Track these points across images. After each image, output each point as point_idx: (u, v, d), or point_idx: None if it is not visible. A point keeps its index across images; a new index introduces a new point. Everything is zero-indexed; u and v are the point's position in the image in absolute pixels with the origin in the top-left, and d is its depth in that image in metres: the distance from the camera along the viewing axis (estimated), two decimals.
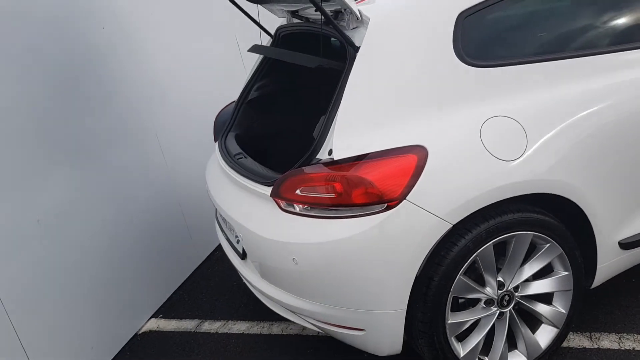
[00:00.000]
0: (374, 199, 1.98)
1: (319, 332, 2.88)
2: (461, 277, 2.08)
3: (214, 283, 3.60)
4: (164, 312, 3.39)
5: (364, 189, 1.98)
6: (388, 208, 1.97)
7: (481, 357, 2.26)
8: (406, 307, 2.05)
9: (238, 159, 2.68)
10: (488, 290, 2.18)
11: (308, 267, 2.10)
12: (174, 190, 3.60)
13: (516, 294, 2.25)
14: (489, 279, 2.17)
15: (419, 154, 2.00)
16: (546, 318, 2.30)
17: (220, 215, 2.85)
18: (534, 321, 2.34)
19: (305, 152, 2.23)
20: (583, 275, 2.29)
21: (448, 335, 2.13)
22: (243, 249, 2.51)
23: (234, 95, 3.71)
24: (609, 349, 2.37)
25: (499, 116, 2.10)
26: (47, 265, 2.63)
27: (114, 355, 3.03)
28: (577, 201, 2.16)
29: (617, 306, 2.62)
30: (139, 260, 3.24)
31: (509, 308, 2.25)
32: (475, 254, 2.07)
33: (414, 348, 2.23)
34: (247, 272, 2.53)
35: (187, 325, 3.21)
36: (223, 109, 3.37)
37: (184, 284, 3.66)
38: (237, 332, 3.04)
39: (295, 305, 2.25)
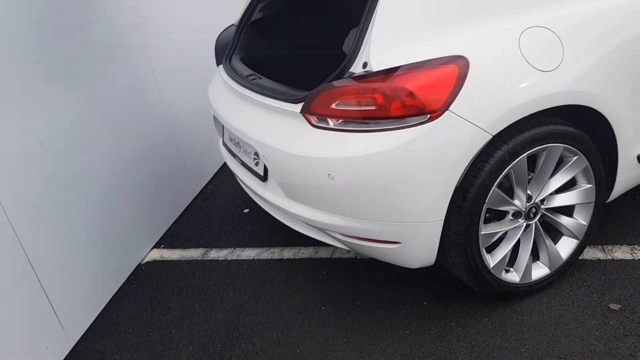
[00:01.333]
0: (415, 110, 1.95)
1: (332, 255, 2.89)
2: (496, 188, 2.10)
3: (213, 214, 3.54)
4: (165, 243, 3.32)
5: (405, 100, 1.95)
6: (430, 119, 1.95)
7: (507, 269, 2.32)
8: (444, 219, 2.07)
9: (252, 79, 2.59)
10: (517, 202, 2.22)
11: (345, 182, 2.07)
12: (168, 121, 3.47)
13: (542, 207, 2.30)
14: (518, 191, 2.21)
15: (460, 64, 1.97)
16: (568, 230, 2.37)
17: (232, 139, 2.77)
18: (555, 233, 2.40)
19: (329, 69, 2.16)
20: (604, 188, 2.36)
21: (480, 246, 2.17)
22: (264, 170, 2.46)
23: (227, 20, 3.57)
24: (622, 260, 2.48)
25: (536, 27, 2.08)
26: (52, 189, 2.51)
27: (120, 284, 2.97)
28: (607, 114, 2.20)
29: (626, 221, 2.72)
30: (136, 191, 3.13)
31: (534, 220, 2.30)
32: (510, 166, 2.09)
33: (441, 261, 2.25)
34: (268, 193, 2.48)
35: (192, 254, 3.16)
36: (222, 31, 3.23)
37: (182, 215, 3.58)
38: (247, 259, 3.02)
39: (326, 222, 2.23)
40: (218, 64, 3.07)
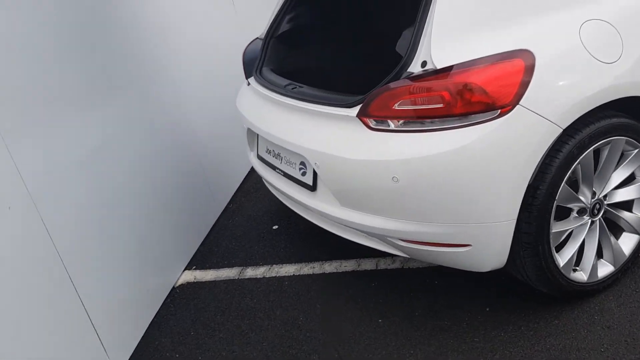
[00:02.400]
0: (484, 106, 1.90)
1: (376, 266, 2.80)
2: (565, 185, 2.05)
3: (241, 232, 3.43)
4: (196, 264, 3.20)
5: (475, 95, 1.89)
6: (501, 115, 1.89)
7: (575, 268, 2.26)
8: (516, 218, 2.00)
9: (292, 88, 2.52)
10: (583, 199, 2.16)
11: (412, 184, 2.00)
12: (191, 139, 3.37)
13: (605, 202, 2.25)
14: (584, 187, 2.16)
15: (526, 57, 1.93)
16: (630, 225, 2.32)
17: (271, 151, 2.68)
18: (616, 230, 2.35)
19: (372, 72, 2.11)
20: None
21: (551, 245, 2.10)
22: (314, 179, 2.37)
23: (243, 37, 3.50)
24: None
25: (594, 19, 2.06)
26: (89, 208, 2.40)
27: (158, 308, 2.83)
28: None
29: None
30: (164, 212, 3.01)
31: (598, 217, 2.25)
32: (578, 161, 2.04)
33: (507, 264, 2.18)
34: (318, 203, 2.39)
35: (227, 273, 3.04)
36: (248, 45, 3.16)
37: (209, 235, 3.47)
38: (287, 275, 2.91)
39: (388, 227, 2.15)
40: (247, 76, 3.00)
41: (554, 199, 2.04)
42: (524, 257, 2.09)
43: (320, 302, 2.64)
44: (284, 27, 3.00)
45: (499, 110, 1.89)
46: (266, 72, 2.90)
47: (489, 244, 2.04)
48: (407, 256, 2.31)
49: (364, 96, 2.12)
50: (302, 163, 2.44)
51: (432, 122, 1.96)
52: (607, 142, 2.10)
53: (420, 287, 2.59)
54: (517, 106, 1.89)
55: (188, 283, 3.03)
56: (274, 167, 2.69)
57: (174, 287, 3.01)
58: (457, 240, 2.06)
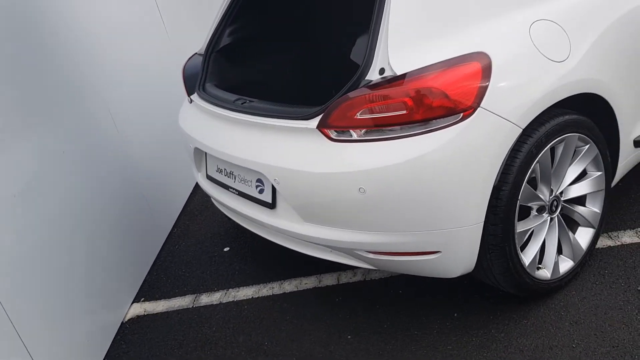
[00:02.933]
0: (447, 111, 1.88)
1: (338, 280, 2.73)
2: (527, 184, 2.07)
3: (189, 257, 3.27)
4: (145, 295, 3.01)
5: (437, 100, 1.88)
6: (463, 118, 1.89)
7: (538, 266, 2.28)
8: (483, 221, 1.99)
9: (242, 103, 2.43)
10: (542, 197, 2.19)
11: (378, 195, 1.95)
12: (129, 165, 3.19)
13: (562, 199, 2.29)
14: (542, 186, 2.19)
15: (482, 59, 1.94)
16: (585, 219, 2.37)
17: (222, 170, 2.57)
18: (571, 225, 2.40)
19: (322, 83, 2.06)
20: (611, 174, 2.40)
21: (517, 246, 2.11)
22: (273, 196, 2.28)
23: (174, 57, 3.38)
24: (631, 243, 2.52)
25: (542, 19, 2.10)
26: (23, 245, 2.19)
27: (107, 348, 2.63)
28: (610, 100, 2.24)
29: (621, 207, 2.79)
30: (104, 242, 2.81)
31: (556, 213, 2.29)
32: (536, 159, 2.06)
33: (476, 268, 2.17)
34: (278, 221, 2.30)
35: (180, 302, 2.88)
36: (187, 61, 3.04)
37: (155, 264, 3.28)
38: (245, 298, 2.79)
39: (354, 240, 2.09)
40: (189, 93, 2.87)
41: (517, 199, 2.05)
42: (491, 259, 2.09)
43: (284, 324, 2.53)
44: (225, 40, 2.90)
45: (461, 114, 1.88)
46: (210, 87, 2.78)
47: (458, 250, 2.02)
48: (374, 268, 2.25)
49: (322, 107, 2.07)
50: (259, 180, 2.35)
51: (394, 130, 1.93)
52: (561, 139, 2.14)
53: (385, 299, 2.54)
54: (479, 109, 1.89)
55: (138, 317, 2.84)
56: (226, 187, 2.57)
57: (122, 322, 2.81)
58: (426, 248, 2.03)
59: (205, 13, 4.97)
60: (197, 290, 2.95)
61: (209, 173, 2.72)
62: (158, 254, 3.36)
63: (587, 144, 2.25)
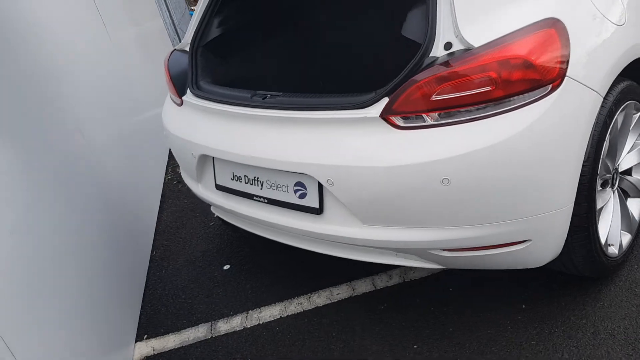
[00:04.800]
0: (534, 83, 1.70)
1: (374, 286, 2.48)
2: (604, 158, 1.93)
3: (184, 282, 2.87)
4: (147, 332, 2.59)
5: (523, 72, 1.69)
6: (552, 90, 1.71)
7: (608, 244, 2.16)
8: (574, 201, 1.83)
9: (263, 99, 2.11)
10: (610, 169, 2.08)
11: (464, 184, 1.73)
12: (100, 182, 2.75)
13: (620, 171, 2.19)
14: (607, 158, 2.06)
15: (558, 25, 1.77)
16: (637, 189, 2.29)
17: (243, 178, 2.23)
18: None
19: (349, 65, 1.82)
20: None
21: (598, 225, 1.97)
22: (320, 200, 1.99)
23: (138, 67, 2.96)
24: None
25: None
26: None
27: None
28: None
29: None
30: (86, 278, 2.35)
31: (616, 186, 2.18)
32: (609, 130, 1.93)
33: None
34: (327, 227, 2.02)
35: (194, 334, 2.50)
36: (168, 59, 2.64)
37: (146, 294, 2.85)
38: (272, 319, 2.46)
39: (431, 239, 1.86)
40: (180, 94, 2.49)
41: (597, 174, 1.91)
42: (574, 242, 1.93)
43: (333, 342, 2.25)
44: (213, 32, 2.55)
45: (550, 86, 1.71)
46: (207, 85, 2.42)
47: (549, 236, 1.85)
48: (442, 267, 2.03)
49: (379, 92, 1.81)
50: (299, 184, 2.04)
51: (476, 110, 1.71)
52: (624, 107, 2.02)
53: (436, 299, 2.32)
54: (566, 78, 1.73)
55: (147, 357, 2.43)
56: (249, 196, 2.23)
57: None
58: (515, 238, 1.83)
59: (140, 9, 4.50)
60: (209, 317, 2.58)
61: (220, 182, 2.36)
62: (146, 283, 2.93)
63: (639, 112, 2.16)
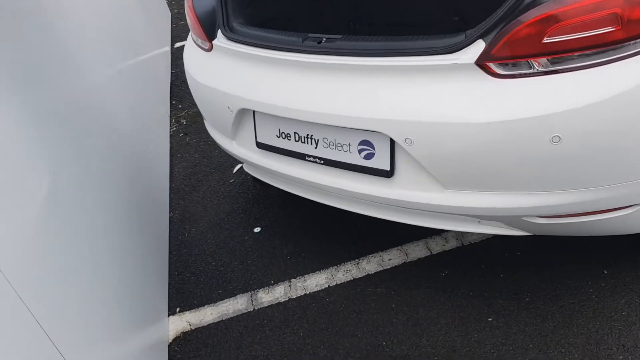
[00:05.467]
0: None
1: (429, 250, 2.26)
2: None
3: (211, 247, 2.63)
4: (180, 304, 2.35)
5: None
6: None
7: None
8: None
9: (319, 43, 1.81)
10: None
11: (578, 143, 1.49)
12: (114, 148, 2.43)
13: None
14: None
15: None
16: None
17: (293, 134, 1.95)
18: None
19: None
20: None
21: None
22: (392, 161, 1.74)
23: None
24: None
25: None
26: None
27: None
28: None
29: None
30: (112, 250, 2.10)
31: None
32: None
33: None
34: (400, 192, 1.78)
35: (233, 306, 2.27)
36: None
37: (171, 261, 2.60)
38: (319, 289, 2.25)
39: (529, 205, 1.63)
40: (210, 37, 2.16)
41: None
42: None
43: (394, 314, 2.04)
44: None
45: None
46: (242, 27, 2.10)
47: None
48: (527, 234, 1.81)
49: (473, 33, 1.53)
50: (365, 142, 1.78)
51: (597, 54, 1.45)
52: None
53: (504, 264, 2.13)
54: None
55: (184, 334, 2.21)
56: (300, 156, 1.96)
57: (169, 344, 2.16)
58: (623, 203, 1.62)
59: None
60: (248, 287, 2.35)
61: (262, 140, 2.08)
62: (169, 249, 2.68)
63: None
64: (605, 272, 1.99)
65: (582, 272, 2.01)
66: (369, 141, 1.77)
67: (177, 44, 5.18)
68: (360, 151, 1.80)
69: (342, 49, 1.75)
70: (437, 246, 2.29)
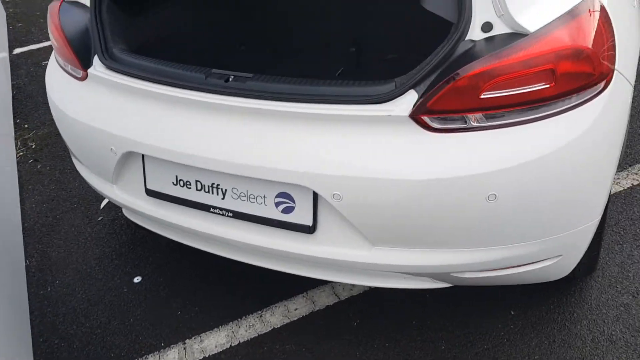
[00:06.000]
0: (593, 78, 1.44)
1: (336, 296, 2.14)
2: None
3: (82, 304, 2.25)
4: None
5: (583, 65, 1.41)
6: (606, 86, 1.47)
7: None
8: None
9: (226, 81, 1.59)
10: None
11: (512, 200, 1.44)
12: None
13: None
14: None
15: (602, 10, 1.52)
16: None
17: (194, 183, 1.71)
18: None
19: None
20: None
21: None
22: (314, 216, 1.57)
23: None
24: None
25: None
26: None
27: None
28: None
29: None
30: None
31: None
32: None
33: None
34: (323, 249, 1.63)
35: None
36: (58, 8, 1.93)
37: (35, 326, 2.19)
38: (220, 349, 2.02)
39: (460, 262, 1.57)
40: (83, 63, 1.82)
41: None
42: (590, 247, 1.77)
43: None
44: None
45: (604, 81, 1.46)
46: (125, 54, 1.80)
47: (580, 248, 1.66)
48: (449, 285, 1.75)
49: (404, 83, 1.43)
50: (284, 195, 1.60)
51: (531, 110, 1.41)
52: None
53: (415, 309, 2.06)
54: (615, 72, 1.49)
55: None
56: (203, 207, 1.72)
57: None
58: (550, 254, 1.61)
59: None
60: (134, 353, 2.03)
61: (153, 187, 1.79)
62: (29, 307, 2.25)
63: None
64: (512, 312, 2.01)
65: (491, 316, 2.00)
66: (287, 194, 1.58)
67: (17, 50, 4.54)
68: (277, 204, 1.61)
69: (254, 91, 1.55)
70: (344, 291, 2.16)
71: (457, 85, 1.37)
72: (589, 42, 1.41)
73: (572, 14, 1.43)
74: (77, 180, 2.94)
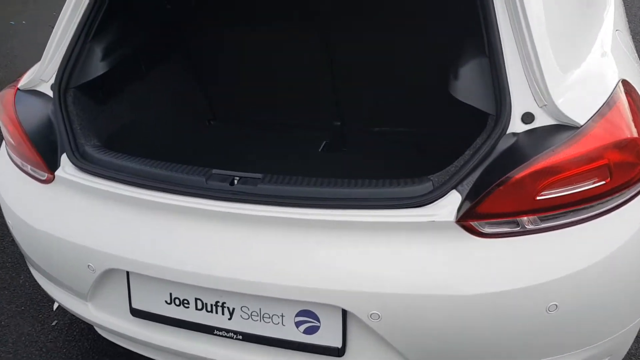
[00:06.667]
0: None
1: None
2: None
3: None
4: None
5: (636, 157, 1.30)
6: None
7: None
8: None
9: (231, 184, 1.38)
10: None
11: (574, 309, 1.29)
12: None
13: None
14: None
15: (632, 89, 1.44)
16: None
17: (194, 301, 1.46)
18: None
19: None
20: None
21: None
22: (344, 337, 1.36)
23: None
24: None
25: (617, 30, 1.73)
26: None
27: None
28: None
29: None
30: None
31: None
32: None
33: None
34: None
35: None
36: (13, 100, 1.66)
37: None
38: None
39: None
40: (52, 166, 1.55)
41: None
42: None
43: None
44: (95, 65, 1.66)
45: None
46: (100, 153, 1.54)
47: (628, 344, 1.53)
48: None
49: (442, 181, 1.26)
50: (306, 313, 1.37)
51: (587, 209, 1.28)
52: None
53: None
54: None
55: None
56: (205, 329, 1.46)
57: None
58: (601, 358, 1.46)
59: None
60: None
61: (140, 306, 1.52)
62: None
63: None
64: None
65: None
66: (311, 311, 1.36)
67: None
68: (298, 324, 1.38)
69: (267, 196, 1.33)
70: None
71: (512, 185, 1.22)
72: (635, 131, 1.30)
73: (611, 102, 1.33)
74: (23, 275, 2.57)
